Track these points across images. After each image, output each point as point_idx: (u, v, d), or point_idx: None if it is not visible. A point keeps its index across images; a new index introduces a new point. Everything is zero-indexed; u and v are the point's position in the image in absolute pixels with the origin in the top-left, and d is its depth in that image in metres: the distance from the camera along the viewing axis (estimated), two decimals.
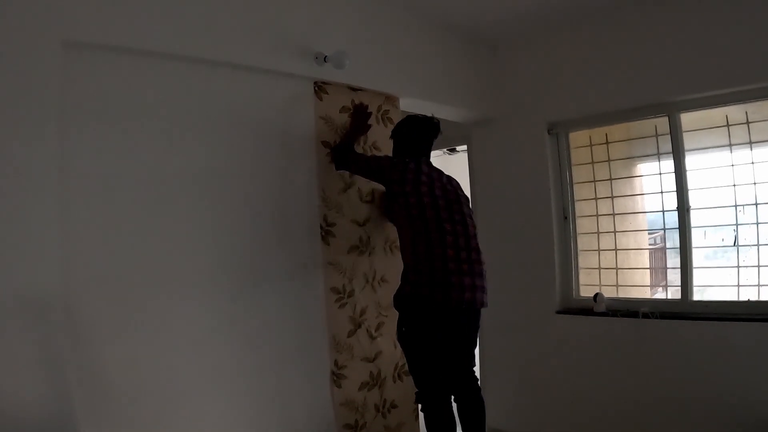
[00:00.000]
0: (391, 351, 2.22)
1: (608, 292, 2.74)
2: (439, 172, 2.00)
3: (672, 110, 2.50)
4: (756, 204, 2.33)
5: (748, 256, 2.44)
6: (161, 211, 1.63)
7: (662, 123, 2.56)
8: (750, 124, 2.35)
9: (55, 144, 1.37)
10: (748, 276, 2.37)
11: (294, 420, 1.94)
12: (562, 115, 2.82)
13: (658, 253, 3.20)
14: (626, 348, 2.56)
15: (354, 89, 2.20)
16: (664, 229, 2.69)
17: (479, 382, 1.99)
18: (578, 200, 2.87)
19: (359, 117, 2.12)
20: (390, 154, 2.20)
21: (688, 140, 2.49)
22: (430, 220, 1.83)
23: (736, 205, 2.38)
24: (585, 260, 2.89)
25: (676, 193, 2.49)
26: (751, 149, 2.35)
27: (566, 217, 2.87)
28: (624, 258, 2.87)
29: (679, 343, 2.39)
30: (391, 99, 2.37)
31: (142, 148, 1.60)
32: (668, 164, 2.54)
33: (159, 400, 1.59)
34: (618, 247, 2.79)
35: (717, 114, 2.44)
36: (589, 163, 2.87)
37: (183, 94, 1.70)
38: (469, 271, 1.82)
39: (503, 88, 3.00)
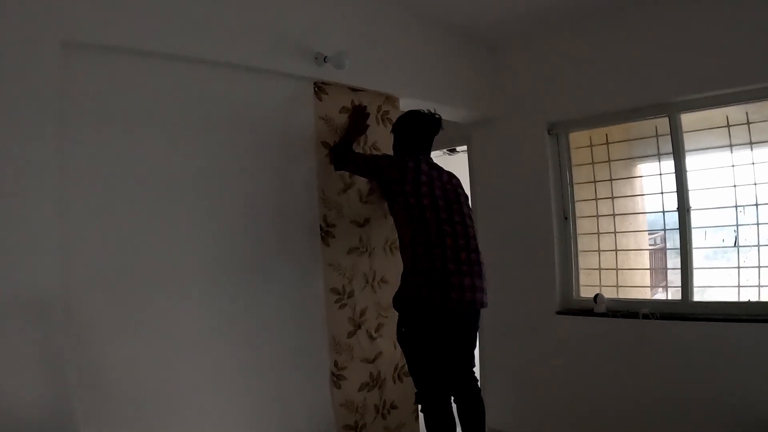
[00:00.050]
0: (390, 352, 2.22)
1: (608, 293, 2.74)
2: (439, 171, 1.99)
3: (672, 111, 2.50)
4: (756, 204, 2.33)
5: (749, 256, 2.43)
6: (161, 211, 1.63)
7: (662, 123, 2.55)
8: (750, 125, 2.35)
9: (54, 144, 1.37)
10: (749, 277, 2.37)
11: (294, 421, 1.94)
12: (562, 115, 2.82)
13: (659, 254, 3.20)
14: (626, 349, 2.55)
15: (354, 89, 2.20)
16: (665, 230, 2.69)
17: (479, 383, 1.99)
18: (578, 201, 2.87)
19: (357, 117, 2.12)
20: (390, 153, 2.20)
21: (688, 141, 2.49)
22: (430, 220, 1.83)
23: (736, 206, 2.38)
24: (585, 261, 2.88)
25: (676, 193, 2.49)
26: (752, 150, 2.34)
27: (566, 217, 2.87)
28: (624, 258, 2.87)
29: (680, 344, 2.39)
30: (391, 99, 2.36)
31: (142, 149, 1.60)
32: (668, 165, 2.54)
33: (159, 400, 1.59)
34: (618, 248, 2.79)
35: (717, 114, 2.44)
36: (589, 164, 2.87)
37: (183, 94, 1.70)
38: (468, 271, 1.82)
39: (503, 88, 3.00)
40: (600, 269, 2.82)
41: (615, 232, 2.79)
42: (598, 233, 2.83)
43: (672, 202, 2.52)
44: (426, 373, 1.86)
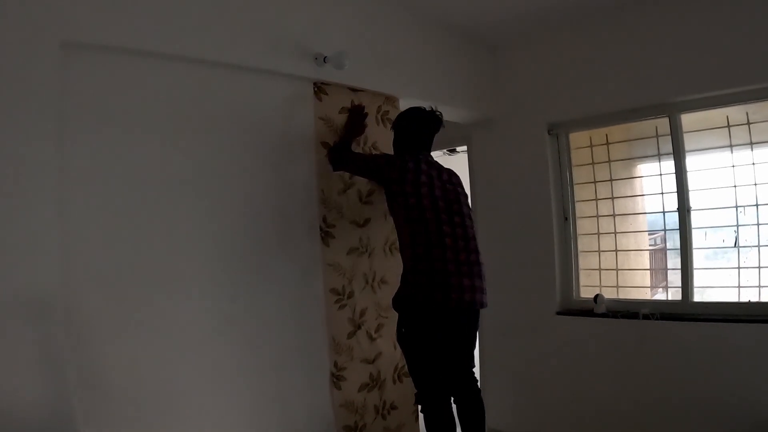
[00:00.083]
0: (390, 352, 2.21)
1: (608, 293, 2.73)
2: (439, 170, 1.98)
3: (672, 111, 2.50)
4: (757, 205, 2.33)
5: (749, 257, 2.43)
6: (161, 212, 1.63)
7: (663, 124, 2.55)
8: (750, 125, 2.35)
9: (54, 144, 1.37)
10: (749, 277, 2.37)
11: (293, 421, 1.94)
12: (563, 115, 2.82)
13: (659, 254, 3.19)
14: (626, 349, 2.55)
15: (354, 90, 2.20)
16: (665, 230, 2.69)
17: (479, 383, 1.99)
18: (578, 201, 2.87)
19: (355, 117, 2.12)
20: (390, 152, 2.19)
21: (688, 141, 2.49)
22: (430, 221, 1.82)
23: (736, 206, 2.38)
24: (585, 261, 2.88)
25: (676, 193, 2.49)
26: (752, 150, 2.34)
27: (566, 218, 2.86)
28: (624, 259, 2.87)
29: (680, 344, 2.39)
30: (390, 99, 2.36)
31: (142, 149, 1.60)
32: (669, 165, 2.54)
33: (159, 400, 1.59)
34: (618, 248, 2.79)
35: (717, 115, 2.44)
36: (589, 164, 2.86)
37: (183, 94, 1.70)
38: (468, 272, 1.82)
39: (503, 88, 3.00)
40: (600, 270, 2.82)
41: (615, 233, 2.79)
42: (599, 233, 2.83)
43: (672, 202, 2.52)
44: (426, 374, 1.85)
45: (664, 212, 2.60)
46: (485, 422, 1.92)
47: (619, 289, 2.78)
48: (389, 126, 2.27)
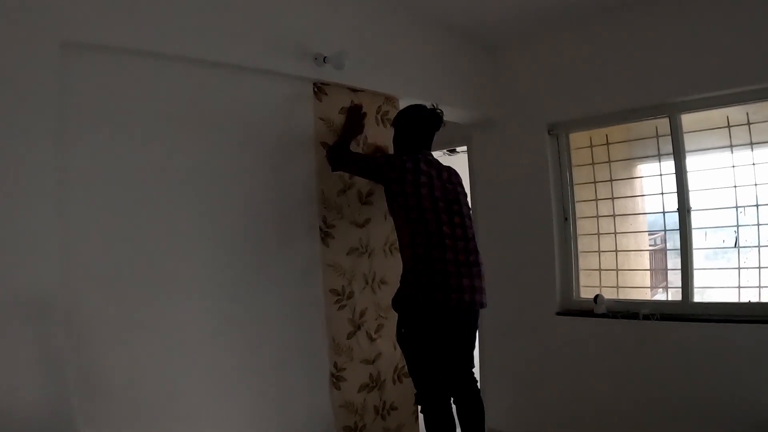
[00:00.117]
0: (390, 353, 2.21)
1: (608, 294, 2.73)
2: (439, 169, 1.97)
3: (672, 111, 2.50)
4: (757, 205, 2.33)
5: (749, 257, 2.43)
6: (161, 212, 1.63)
7: (663, 124, 2.55)
8: (751, 125, 2.35)
9: (53, 144, 1.37)
10: (749, 277, 2.37)
11: (293, 422, 1.94)
12: (563, 115, 2.82)
13: (659, 255, 3.19)
14: (626, 349, 2.55)
15: (353, 90, 2.20)
16: (665, 231, 2.69)
17: (479, 384, 1.99)
18: (578, 201, 2.87)
19: (354, 117, 2.11)
20: (390, 152, 2.19)
21: (688, 141, 2.49)
22: (430, 222, 1.82)
23: (737, 207, 2.38)
24: (585, 261, 2.88)
25: (676, 194, 2.49)
26: (752, 150, 2.34)
27: (566, 218, 2.86)
28: (624, 259, 2.87)
29: (680, 345, 2.39)
30: (390, 100, 2.36)
31: (142, 149, 1.60)
32: (669, 165, 2.54)
33: (159, 400, 1.58)
34: (618, 249, 2.79)
35: (718, 115, 2.44)
36: (589, 164, 2.86)
37: (183, 94, 1.70)
38: (468, 272, 1.82)
39: (503, 88, 3.00)
40: (600, 270, 2.82)
41: (615, 233, 2.79)
42: (599, 234, 2.83)
43: (672, 202, 2.52)
44: (426, 374, 1.85)
45: (664, 212, 2.60)
46: (485, 422, 1.92)
47: (619, 289, 2.78)
48: (389, 127, 2.27)
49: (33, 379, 1.32)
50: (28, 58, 1.33)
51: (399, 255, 2.01)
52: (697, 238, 2.48)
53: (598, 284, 2.81)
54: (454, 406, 1.90)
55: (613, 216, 2.80)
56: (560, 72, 2.78)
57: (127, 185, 1.56)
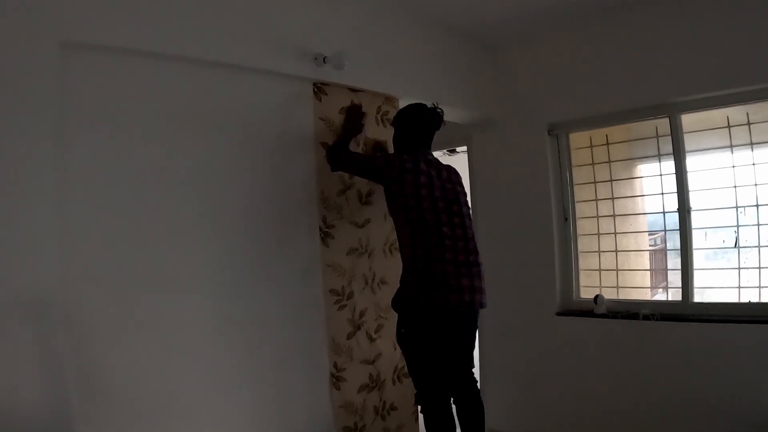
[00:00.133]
0: (390, 353, 2.21)
1: (608, 294, 2.73)
2: (438, 168, 1.96)
3: (673, 111, 2.50)
4: (757, 205, 2.33)
5: (749, 257, 2.43)
6: (161, 212, 1.63)
7: (663, 124, 2.55)
8: (751, 125, 2.35)
9: (53, 144, 1.37)
10: (749, 278, 2.37)
11: (293, 422, 1.94)
12: (563, 116, 2.82)
13: (659, 255, 3.19)
14: (626, 350, 2.55)
15: (353, 90, 2.20)
16: (665, 231, 2.69)
17: (478, 384, 1.99)
18: (578, 201, 2.87)
19: (353, 116, 2.11)
20: (389, 147, 2.18)
21: (688, 141, 2.49)
22: (430, 222, 1.82)
23: (737, 207, 2.38)
24: (585, 262, 2.88)
25: (676, 194, 2.49)
26: (752, 150, 2.34)
27: (566, 218, 2.86)
28: (624, 259, 2.86)
29: (680, 345, 2.39)
30: (390, 100, 2.36)
31: (141, 149, 1.60)
32: (669, 165, 2.54)
33: (158, 400, 1.58)
34: (618, 249, 2.79)
35: (718, 115, 2.44)
36: (589, 164, 2.86)
37: (182, 94, 1.70)
38: (467, 272, 1.82)
39: (503, 88, 3.00)
40: (600, 270, 2.82)
41: (615, 233, 2.79)
42: (599, 234, 2.83)
43: (672, 202, 2.52)
44: (425, 374, 1.85)
45: (664, 213, 2.60)
46: (485, 422, 1.92)
47: (619, 289, 2.77)
48: (389, 127, 2.27)
49: (33, 379, 1.32)
50: (28, 58, 1.33)
51: (399, 255, 2.00)
52: (697, 238, 2.48)
53: (598, 284, 2.81)
54: (454, 407, 1.90)
55: (613, 216, 2.80)
56: (560, 72, 2.78)
57: (127, 185, 1.56)
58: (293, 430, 1.94)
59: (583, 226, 2.88)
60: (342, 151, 2.01)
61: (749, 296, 2.35)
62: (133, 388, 1.53)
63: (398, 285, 1.90)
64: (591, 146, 2.86)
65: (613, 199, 2.81)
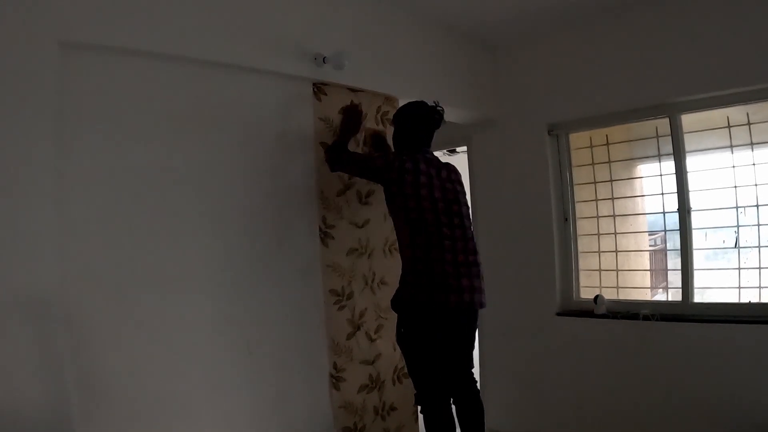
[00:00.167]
0: (390, 353, 2.21)
1: (609, 294, 2.73)
2: (438, 167, 1.96)
3: (673, 111, 2.50)
4: (757, 205, 2.33)
5: (749, 257, 2.43)
6: (160, 212, 1.63)
7: (663, 124, 2.55)
8: (751, 126, 2.35)
9: (53, 144, 1.37)
10: (749, 278, 2.37)
11: (293, 422, 1.94)
12: (563, 116, 2.82)
13: (659, 255, 3.19)
14: (627, 350, 2.55)
15: (353, 90, 2.20)
16: (665, 231, 2.69)
17: (478, 384, 1.99)
18: (578, 201, 2.87)
19: (351, 116, 2.10)
20: (387, 138, 2.18)
21: (688, 141, 2.49)
22: (429, 223, 1.82)
23: (737, 207, 2.38)
24: (585, 262, 2.88)
25: (676, 194, 2.49)
26: (752, 150, 2.34)
27: (566, 218, 2.86)
28: (624, 260, 2.86)
29: (680, 345, 2.39)
30: (390, 100, 2.36)
31: (141, 149, 1.60)
32: (669, 165, 2.53)
33: (158, 400, 1.58)
34: (618, 249, 2.79)
35: (718, 115, 2.44)
36: (589, 165, 2.86)
37: (182, 94, 1.70)
38: (467, 272, 1.81)
39: (503, 88, 3.00)
40: (600, 270, 2.82)
41: (615, 233, 2.79)
42: (599, 234, 2.83)
43: (672, 203, 2.51)
44: (425, 374, 1.85)
45: (664, 213, 2.60)
46: (485, 423, 1.92)
47: (619, 289, 2.77)
48: (389, 127, 2.27)
49: (33, 379, 1.32)
50: (28, 58, 1.33)
51: (398, 255, 2.00)
52: (697, 239, 2.48)
53: (598, 284, 2.81)
54: (453, 407, 1.90)
55: (613, 216, 2.80)
56: (560, 72, 2.78)
57: (127, 185, 1.56)
58: (293, 430, 1.94)
59: (583, 227, 2.88)
60: (341, 151, 2.00)
61: (749, 296, 2.35)
62: (133, 388, 1.53)
63: (398, 285, 1.90)
64: (591, 146, 2.86)
65: (613, 199, 2.81)
